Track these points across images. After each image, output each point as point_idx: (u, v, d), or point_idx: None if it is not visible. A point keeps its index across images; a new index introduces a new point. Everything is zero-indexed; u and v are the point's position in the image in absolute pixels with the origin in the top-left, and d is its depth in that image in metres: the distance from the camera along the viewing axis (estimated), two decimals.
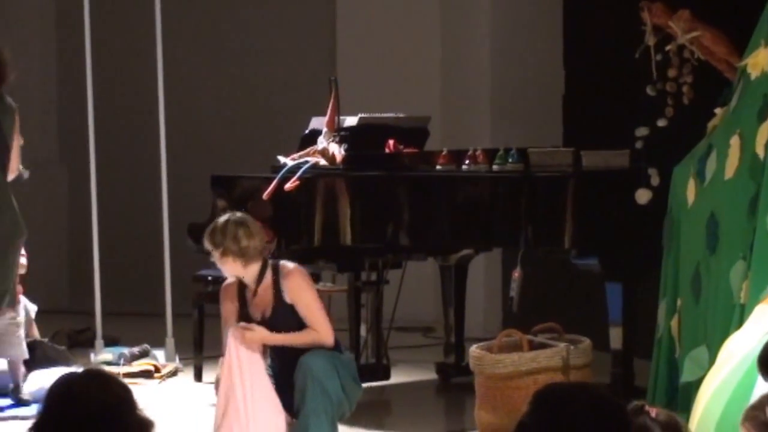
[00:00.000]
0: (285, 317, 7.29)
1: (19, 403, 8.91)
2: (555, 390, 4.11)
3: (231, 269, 7.32)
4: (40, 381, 8.96)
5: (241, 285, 7.41)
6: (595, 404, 3.98)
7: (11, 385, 9.06)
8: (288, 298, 7.31)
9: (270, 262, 7.40)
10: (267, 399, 7.18)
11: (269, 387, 7.19)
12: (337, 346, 7.35)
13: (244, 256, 7.24)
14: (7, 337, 8.97)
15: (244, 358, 7.17)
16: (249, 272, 7.32)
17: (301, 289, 7.35)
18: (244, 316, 7.36)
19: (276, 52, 12.72)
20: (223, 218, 7.35)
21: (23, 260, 9.02)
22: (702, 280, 7.38)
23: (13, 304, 8.63)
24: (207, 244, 7.32)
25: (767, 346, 4.78)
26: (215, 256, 7.29)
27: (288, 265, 7.43)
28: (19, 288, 9.09)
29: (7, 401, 9.04)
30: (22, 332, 9.10)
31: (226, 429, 7.13)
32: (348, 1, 12.21)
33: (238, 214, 7.40)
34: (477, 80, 11.81)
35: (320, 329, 7.27)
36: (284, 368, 7.26)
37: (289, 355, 7.24)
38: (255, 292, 7.36)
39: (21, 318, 9.09)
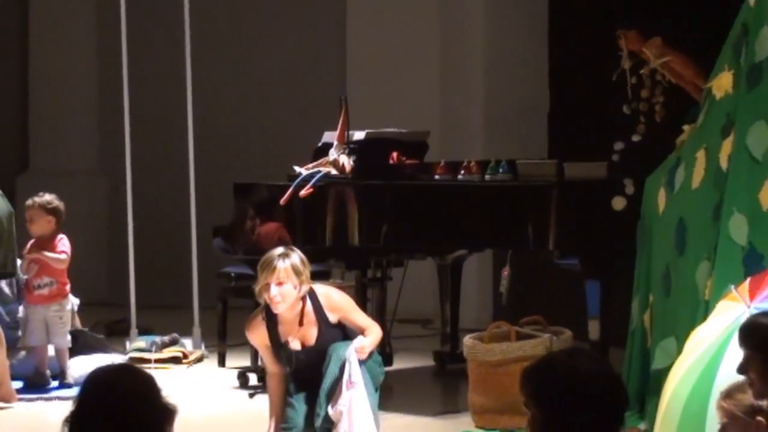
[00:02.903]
0: (334, 336, 7.18)
1: (64, 385, 8.93)
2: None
3: (291, 301, 7.11)
4: (82, 366, 8.97)
5: (269, 323, 7.22)
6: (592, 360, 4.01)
7: (56, 370, 9.11)
8: (334, 319, 7.21)
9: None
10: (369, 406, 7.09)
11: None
12: None
13: (300, 288, 7.06)
14: (53, 327, 9.00)
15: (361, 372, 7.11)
16: (295, 306, 7.17)
17: (341, 305, 7.28)
18: (281, 350, 7.20)
19: (293, 75, 12.73)
20: (286, 254, 7.12)
21: (63, 256, 9.02)
22: (671, 279, 7.39)
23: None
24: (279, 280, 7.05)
25: (750, 320, 4.76)
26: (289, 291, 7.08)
27: (319, 289, 7.30)
28: (67, 283, 9.12)
29: (53, 384, 9.06)
30: (68, 323, 9.13)
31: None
32: (357, 29, 12.18)
33: (283, 250, 7.17)
34: (471, 100, 11.80)
35: (370, 325, 7.24)
36: (310, 380, 7.15)
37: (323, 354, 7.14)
38: (301, 323, 7.17)
39: (67, 310, 9.11)
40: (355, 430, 6.90)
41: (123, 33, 10.84)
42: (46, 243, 9.02)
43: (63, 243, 9.03)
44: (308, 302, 7.17)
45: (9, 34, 14.03)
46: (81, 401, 3.85)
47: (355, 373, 6.99)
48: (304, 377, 7.18)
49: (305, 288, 7.09)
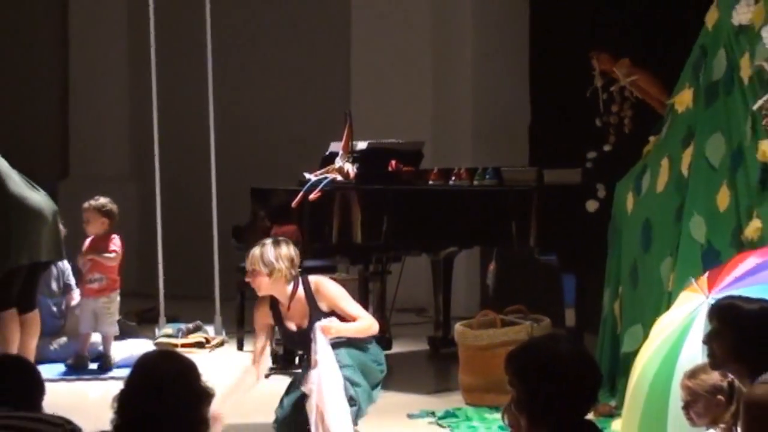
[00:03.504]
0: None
1: (105, 368, 8.93)
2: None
3: (273, 289, 6.92)
4: (117, 351, 8.99)
5: (272, 302, 7.03)
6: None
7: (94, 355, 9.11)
8: (325, 307, 6.92)
9: (299, 278, 6.98)
10: (340, 384, 6.74)
11: (340, 374, 6.75)
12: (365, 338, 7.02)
13: (278, 275, 6.83)
14: (101, 317, 9.00)
15: (327, 352, 6.75)
16: (282, 291, 6.93)
17: (332, 294, 6.96)
18: (282, 329, 7.03)
19: (303, 92, 12.71)
20: (269, 246, 6.91)
21: (112, 255, 9.02)
22: (638, 273, 7.40)
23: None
24: (256, 266, 6.84)
25: (728, 299, 4.76)
26: (262, 280, 6.88)
27: (312, 278, 7.05)
28: (117, 279, 9.12)
29: (92, 366, 9.07)
30: (115, 314, 9.12)
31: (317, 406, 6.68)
32: (360, 53, 12.14)
33: (273, 243, 6.95)
34: (461, 114, 11.78)
35: (364, 317, 6.96)
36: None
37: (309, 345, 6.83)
38: (289, 307, 6.97)
39: (116, 302, 9.11)
40: (326, 407, 6.59)
41: (152, 53, 10.85)
42: (100, 242, 9.01)
43: (114, 242, 9.02)
44: (300, 289, 6.95)
45: (50, 51, 14.02)
46: (130, 381, 3.87)
47: (320, 351, 6.68)
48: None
49: (280, 276, 6.83)
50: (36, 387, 4.05)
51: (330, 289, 7.01)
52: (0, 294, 7.79)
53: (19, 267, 7.81)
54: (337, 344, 6.80)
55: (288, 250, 6.91)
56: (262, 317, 7.05)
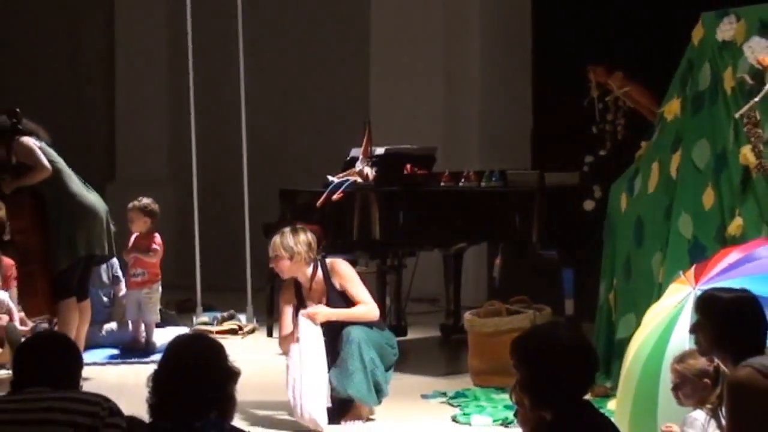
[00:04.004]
0: (338, 302, 6.93)
1: (148, 353, 8.94)
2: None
3: (295, 271, 6.98)
4: (159, 337, 9.01)
5: (296, 284, 7.06)
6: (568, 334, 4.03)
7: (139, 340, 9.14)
8: (338, 286, 6.98)
9: (318, 260, 7.03)
10: (321, 360, 6.82)
11: (323, 352, 6.81)
12: (379, 323, 7.08)
13: (298, 259, 6.91)
14: (144, 306, 9.04)
15: (311, 332, 6.82)
16: (303, 273, 6.99)
17: (345, 274, 7.01)
18: (303, 307, 7.00)
19: (328, 103, 12.75)
20: (288, 233, 6.97)
21: (151, 253, 9.05)
22: (631, 266, 7.38)
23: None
24: (278, 252, 6.92)
25: (709, 292, 4.75)
26: (284, 263, 6.94)
27: (330, 260, 7.10)
28: (158, 272, 9.14)
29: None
30: (156, 303, 9.16)
31: (295, 378, 6.78)
32: (378, 69, 12.16)
33: (292, 231, 6.99)
34: (470, 122, 11.78)
35: (367, 302, 6.96)
36: (331, 341, 6.88)
37: (336, 331, 6.87)
38: (310, 287, 7.02)
39: (157, 293, 9.13)
40: (303, 383, 6.67)
41: (190, 70, 10.87)
42: (143, 240, 9.03)
43: (156, 241, 9.05)
44: (319, 271, 7.01)
45: (98, 68, 14.07)
46: (163, 361, 3.86)
47: (302, 332, 6.77)
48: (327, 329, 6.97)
49: (300, 258, 6.89)
50: (75, 364, 4.00)
51: (343, 268, 7.06)
52: (62, 284, 7.87)
53: (78, 260, 7.87)
54: (354, 327, 6.85)
55: (305, 236, 6.98)
56: (287, 298, 7.10)
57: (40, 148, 7.79)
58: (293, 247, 6.90)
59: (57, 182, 7.81)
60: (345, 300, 6.97)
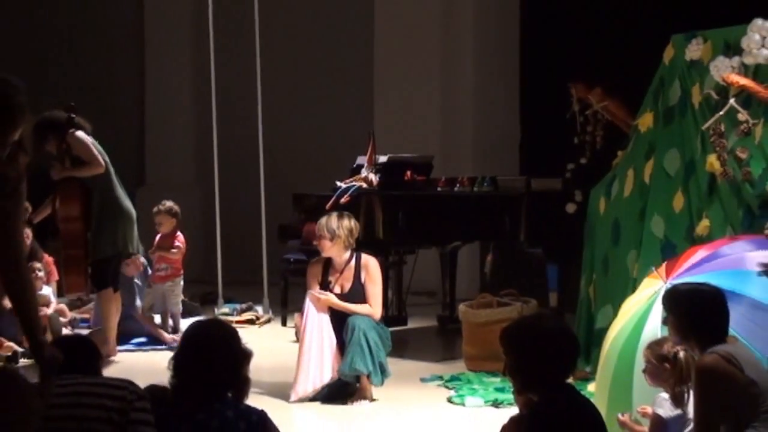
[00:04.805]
0: (358, 293, 7.01)
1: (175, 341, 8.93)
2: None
3: (333, 252, 7.01)
4: (183, 327, 9.00)
5: (326, 263, 7.09)
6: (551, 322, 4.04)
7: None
8: (363, 279, 7.03)
9: (355, 252, 7.11)
10: (330, 341, 6.92)
11: (331, 333, 6.93)
12: (380, 322, 7.09)
13: (338, 242, 6.96)
14: (168, 298, 9.05)
15: (316, 314, 6.92)
16: (340, 255, 7.05)
17: (373, 276, 7.06)
18: (325, 285, 7.05)
19: (336, 115, 12.77)
20: (334, 217, 7.04)
21: (175, 251, 9.06)
22: (609, 262, 7.38)
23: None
24: (322, 232, 6.97)
25: (671, 288, 4.76)
26: (325, 243, 6.97)
27: (366, 256, 7.16)
28: (180, 268, 9.15)
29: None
30: (179, 295, 9.16)
31: (304, 358, 6.92)
32: (381, 85, 12.18)
33: (338, 215, 7.07)
34: (464, 132, 11.77)
35: (375, 306, 7.01)
36: (337, 326, 6.96)
37: (342, 318, 6.95)
38: (342, 271, 7.07)
39: (180, 286, 9.14)
40: (302, 357, 6.87)
41: (212, 86, 10.88)
42: (168, 239, 9.05)
43: (179, 239, 9.07)
44: (353, 259, 7.07)
45: (129, 80, 14.07)
46: (182, 344, 3.84)
47: (307, 313, 6.89)
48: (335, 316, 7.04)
49: (340, 241, 6.94)
50: (95, 356, 4.02)
51: (373, 269, 7.09)
52: (100, 274, 7.96)
53: (117, 253, 7.91)
54: (357, 316, 6.91)
55: (349, 222, 7.04)
56: (314, 274, 7.12)
57: (92, 144, 7.79)
58: (335, 230, 6.97)
59: (106, 181, 7.83)
60: (363, 294, 7.03)
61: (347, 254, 7.05)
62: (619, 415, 5.08)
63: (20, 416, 3.21)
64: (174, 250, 9.03)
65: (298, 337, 7.09)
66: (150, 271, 9.17)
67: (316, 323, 6.94)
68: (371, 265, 7.10)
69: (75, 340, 4.30)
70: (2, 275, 3.84)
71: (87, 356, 3.93)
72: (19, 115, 3.68)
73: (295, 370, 6.96)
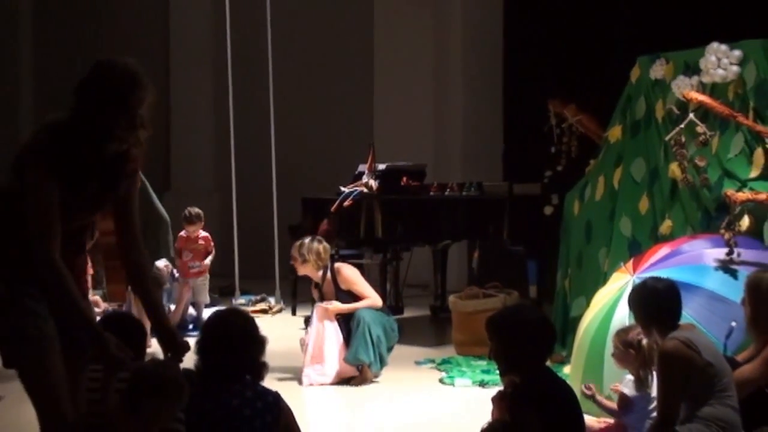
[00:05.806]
0: (346, 299, 7.00)
1: (197, 329, 8.93)
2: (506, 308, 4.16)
3: (307, 272, 7.05)
4: (206, 315, 8.97)
5: (316, 284, 7.15)
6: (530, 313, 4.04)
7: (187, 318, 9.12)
8: (344, 287, 7.03)
9: (328, 266, 7.07)
10: (336, 342, 6.94)
11: (338, 335, 6.95)
12: (384, 310, 7.09)
13: (308, 264, 6.97)
14: (198, 290, 9.06)
15: (325, 321, 6.96)
16: (314, 275, 7.06)
17: (349, 278, 7.04)
18: (322, 300, 7.07)
19: (339, 128, 12.76)
20: (306, 242, 7.03)
21: (211, 253, 9.10)
22: (582, 258, 7.38)
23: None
24: (294, 255, 7.00)
25: (631, 292, 4.76)
26: (298, 265, 7.02)
27: (337, 265, 7.13)
28: (208, 264, 9.14)
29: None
30: (207, 287, 9.17)
31: (314, 358, 6.94)
32: (380, 100, 12.21)
33: (310, 240, 7.05)
34: (453, 142, 11.76)
35: (371, 297, 7.00)
36: (345, 322, 6.97)
37: (349, 315, 6.96)
38: (323, 287, 7.09)
39: (207, 280, 9.15)
40: (307, 358, 6.91)
41: (230, 101, 10.88)
42: (193, 240, 9.06)
43: (211, 244, 9.14)
44: (328, 273, 7.06)
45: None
46: (204, 332, 3.80)
47: (313, 323, 6.95)
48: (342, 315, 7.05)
49: (310, 265, 6.95)
50: (142, 334, 3.97)
51: (346, 272, 7.07)
52: None
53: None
54: (364, 310, 6.89)
55: (318, 246, 7.01)
56: (314, 294, 7.21)
57: None
58: (305, 255, 6.99)
59: (143, 190, 7.80)
60: (352, 296, 7.01)
61: (320, 272, 7.05)
62: (583, 387, 5.09)
63: (181, 406, 3.39)
64: (210, 257, 9.10)
65: (303, 350, 7.07)
66: (176, 274, 9.16)
67: (323, 326, 6.98)
68: (343, 269, 7.08)
69: (124, 317, 4.17)
70: (123, 258, 3.56)
71: (133, 333, 3.87)
72: (142, 90, 3.49)
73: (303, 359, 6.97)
